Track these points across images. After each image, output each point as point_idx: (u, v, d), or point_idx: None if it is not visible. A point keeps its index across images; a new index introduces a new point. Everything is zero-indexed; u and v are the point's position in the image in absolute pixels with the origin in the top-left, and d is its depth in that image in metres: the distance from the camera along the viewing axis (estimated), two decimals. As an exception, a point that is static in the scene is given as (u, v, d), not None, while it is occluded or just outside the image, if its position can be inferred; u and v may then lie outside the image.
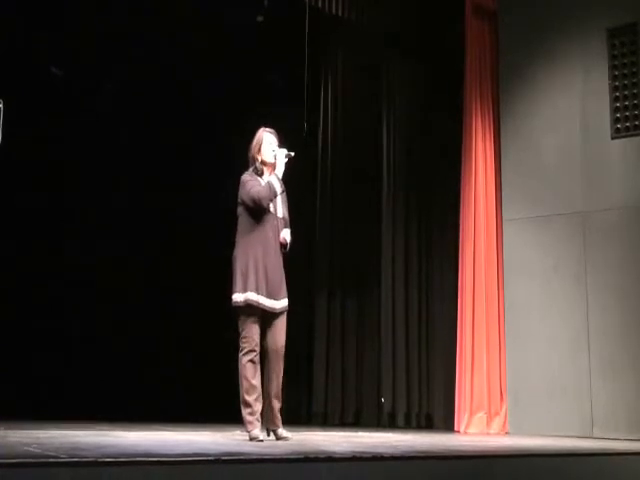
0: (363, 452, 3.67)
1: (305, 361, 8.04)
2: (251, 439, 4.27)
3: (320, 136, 8.25)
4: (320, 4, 6.76)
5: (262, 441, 4.22)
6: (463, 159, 7.40)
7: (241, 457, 3.20)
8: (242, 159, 4.83)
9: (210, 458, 3.03)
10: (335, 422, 7.69)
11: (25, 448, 3.28)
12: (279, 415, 4.49)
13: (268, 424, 4.52)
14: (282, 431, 4.47)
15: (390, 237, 7.84)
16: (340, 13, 6.96)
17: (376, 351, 7.82)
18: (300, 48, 6.69)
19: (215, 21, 7.40)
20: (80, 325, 7.60)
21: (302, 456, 3.31)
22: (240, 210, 4.53)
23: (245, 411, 4.35)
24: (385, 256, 7.83)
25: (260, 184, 4.50)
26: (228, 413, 5.24)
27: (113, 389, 7.32)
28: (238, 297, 4.39)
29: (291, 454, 3.42)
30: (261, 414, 4.44)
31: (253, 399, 4.35)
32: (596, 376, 6.51)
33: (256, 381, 4.37)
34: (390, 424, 7.51)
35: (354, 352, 7.98)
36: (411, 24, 7.66)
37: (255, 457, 3.22)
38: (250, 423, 4.33)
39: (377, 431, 6.53)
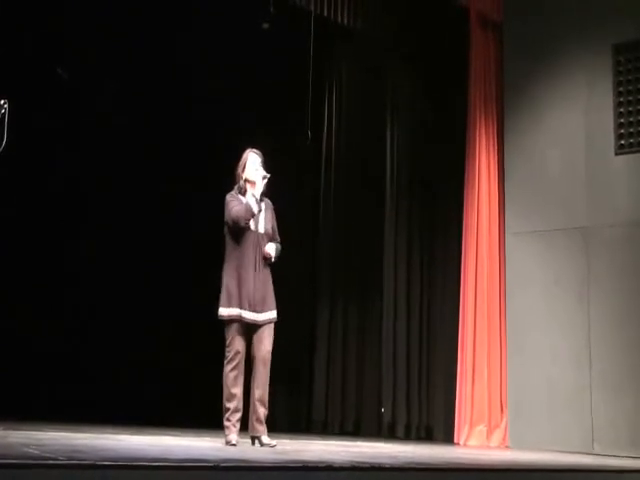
0: (363, 462, 3.65)
1: (306, 369, 8.03)
2: (226, 443, 4.52)
3: (324, 144, 8.28)
4: (326, 12, 6.79)
5: (235, 445, 4.46)
6: (466, 171, 7.40)
7: (240, 464, 3.19)
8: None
9: (209, 464, 3.02)
10: (335, 431, 7.67)
11: (24, 449, 3.27)
12: (264, 422, 4.62)
13: (252, 431, 4.63)
14: (266, 438, 4.57)
15: (392, 249, 7.83)
16: (345, 22, 7.00)
17: (377, 361, 7.80)
18: (304, 54, 6.73)
19: (219, 27, 7.44)
20: (81, 327, 7.60)
21: (301, 465, 3.29)
22: (225, 230, 4.78)
23: (224, 417, 4.60)
24: (387, 267, 7.83)
25: (241, 203, 4.74)
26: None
27: (115, 392, 7.31)
28: (222, 311, 4.66)
29: (291, 462, 3.41)
30: (247, 421, 4.65)
31: (232, 406, 4.57)
32: (597, 391, 6.49)
33: (236, 389, 4.58)
34: (390, 435, 7.48)
35: (355, 361, 7.96)
36: (416, 35, 7.68)
37: (254, 464, 3.21)
38: (227, 428, 4.57)
39: (377, 441, 6.51)
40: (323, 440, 6.15)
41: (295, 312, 8.25)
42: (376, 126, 8.16)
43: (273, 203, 5.02)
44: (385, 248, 7.88)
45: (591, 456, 6.06)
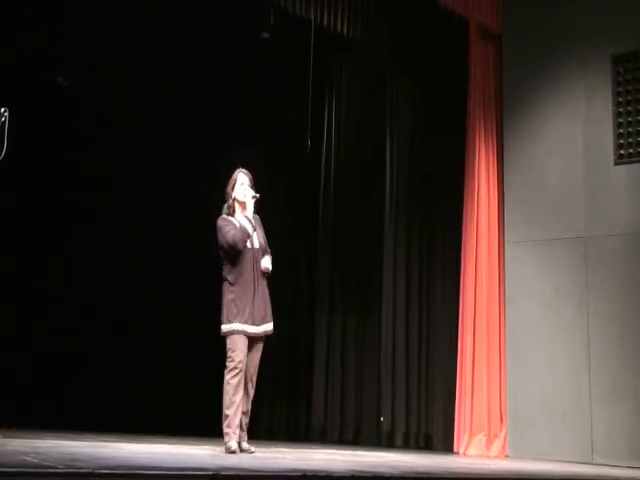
0: (362, 471, 3.64)
1: (305, 378, 8.01)
2: (226, 450, 4.61)
3: (323, 153, 8.29)
4: (325, 21, 6.83)
5: (235, 452, 4.58)
6: (466, 181, 7.40)
7: (239, 472, 3.18)
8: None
9: (209, 473, 3.01)
10: (334, 440, 7.64)
11: (22, 457, 3.25)
12: (245, 430, 4.87)
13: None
14: (245, 444, 4.81)
15: (392, 257, 7.83)
16: (345, 31, 7.03)
17: (376, 370, 7.78)
18: (305, 63, 6.75)
19: (220, 36, 7.47)
20: (81, 334, 7.60)
21: (301, 474, 3.28)
22: (222, 254, 4.91)
23: (224, 424, 4.70)
24: (386, 275, 7.81)
25: (235, 226, 4.87)
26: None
27: (114, 399, 7.30)
28: (225, 327, 4.83)
29: (290, 471, 3.40)
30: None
31: (232, 413, 4.68)
32: (596, 401, 6.47)
33: (237, 397, 4.71)
34: (389, 444, 7.46)
35: (354, 370, 7.95)
36: (415, 44, 7.71)
37: (254, 473, 3.20)
38: (227, 435, 4.68)
39: (376, 450, 6.49)
40: (322, 449, 6.13)
41: (294, 322, 8.26)
42: (375, 134, 8.17)
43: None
44: (384, 258, 7.87)
45: (590, 466, 6.04)
